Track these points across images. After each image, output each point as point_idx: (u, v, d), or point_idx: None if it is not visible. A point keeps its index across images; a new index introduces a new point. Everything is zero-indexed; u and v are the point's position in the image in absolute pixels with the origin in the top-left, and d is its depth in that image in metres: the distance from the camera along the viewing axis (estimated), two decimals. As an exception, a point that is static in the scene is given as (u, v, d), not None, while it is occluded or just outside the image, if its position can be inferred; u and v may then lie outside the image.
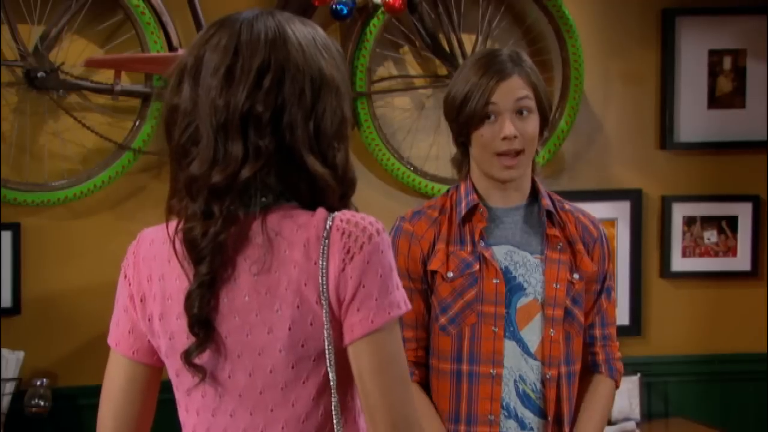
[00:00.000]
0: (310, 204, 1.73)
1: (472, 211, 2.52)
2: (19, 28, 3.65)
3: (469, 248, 2.50)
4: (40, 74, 3.64)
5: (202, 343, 1.72)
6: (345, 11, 3.81)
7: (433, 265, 2.50)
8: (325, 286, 1.68)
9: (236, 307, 1.71)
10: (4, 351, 3.62)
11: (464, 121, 2.51)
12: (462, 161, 2.58)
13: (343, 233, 1.69)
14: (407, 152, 4.10)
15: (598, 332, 2.60)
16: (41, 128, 3.76)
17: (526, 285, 2.49)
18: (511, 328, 2.48)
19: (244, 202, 1.70)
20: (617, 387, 2.63)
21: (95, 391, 3.93)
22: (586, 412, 2.54)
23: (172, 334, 1.77)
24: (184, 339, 1.75)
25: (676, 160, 4.31)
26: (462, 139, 2.55)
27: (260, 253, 1.70)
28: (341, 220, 1.70)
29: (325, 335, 1.69)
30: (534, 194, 2.56)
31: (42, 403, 3.61)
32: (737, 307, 4.36)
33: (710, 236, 4.32)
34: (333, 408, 1.71)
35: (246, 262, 1.71)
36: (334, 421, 1.71)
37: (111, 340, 1.88)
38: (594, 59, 4.21)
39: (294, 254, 1.69)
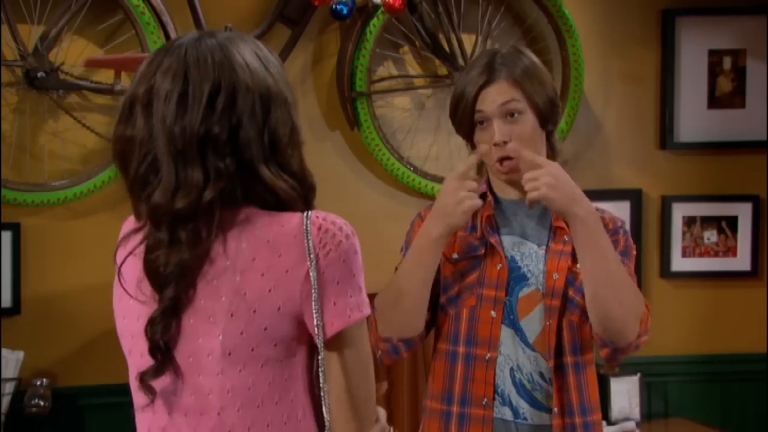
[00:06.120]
0: (275, 208, 1.77)
1: (481, 199, 2.54)
2: (19, 28, 3.65)
3: (477, 234, 2.53)
4: (40, 74, 3.64)
5: (160, 367, 1.76)
6: (345, 11, 3.81)
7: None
8: (315, 280, 1.72)
9: (188, 303, 1.75)
10: (4, 351, 3.62)
11: (458, 125, 2.53)
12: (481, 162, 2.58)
13: (320, 228, 1.74)
14: (407, 152, 4.10)
15: None
16: (41, 128, 3.76)
17: (529, 275, 2.51)
18: (511, 317, 2.49)
19: (208, 222, 1.73)
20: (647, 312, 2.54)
21: (95, 391, 3.93)
22: None
23: (129, 351, 1.83)
24: (138, 358, 1.80)
25: (676, 160, 4.31)
26: (467, 140, 2.57)
27: (214, 247, 1.74)
28: (317, 217, 1.75)
29: (315, 323, 1.74)
30: None
31: (42, 403, 3.61)
32: (737, 307, 4.36)
33: (710, 236, 4.32)
34: (323, 395, 1.76)
35: (206, 277, 1.74)
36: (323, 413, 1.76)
37: None
38: (594, 59, 4.21)
39: (251, 249, 1.73)
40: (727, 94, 4.31)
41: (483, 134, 2.49)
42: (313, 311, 1.73)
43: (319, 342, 1.74)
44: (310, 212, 1.75)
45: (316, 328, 1.73)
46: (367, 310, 1.77)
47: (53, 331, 3.78)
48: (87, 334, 3.76)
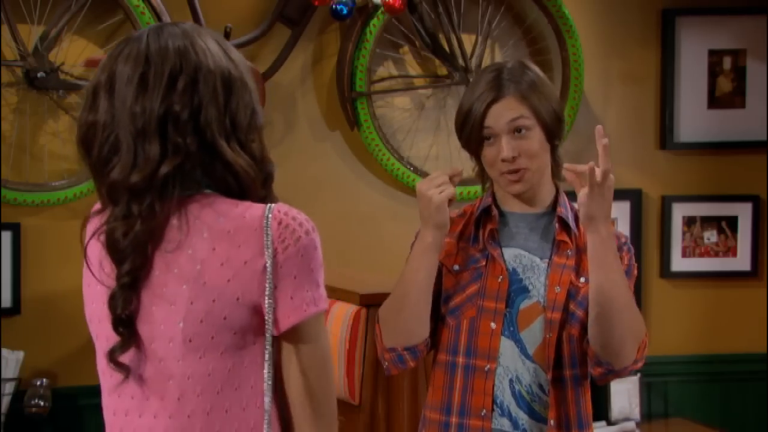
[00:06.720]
0: (237, 195, 1.80)
1: (486, 212, 2.55)
2: (19, 28, 3.66)
3: (479, 246, 2.54)
4: (40, 74, 3.64)
5: (126, 342, 1.79)
6: (345, 11, 3.81)
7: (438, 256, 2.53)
8: (271, 274, 1.75)
9: (150, 290, 1.78)
10: (4, 351, 3.63)
11: (465, 142, 2.54)
12: (483, 173, 2.59)
13: (280, 223, 1.76)
14: (407, 152, 4.10)
15: None
16: (41, 128, 3.77)
17: (530, 288, 2.51)
18: (511, 328, 2.50)
19: (164, 197, 1.76)
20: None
21: (95, 391, 3.92)
22: None
23: (96, 336, 1.88)
24: (104, 342, 1.85)
25: (676, 160, 4.31)
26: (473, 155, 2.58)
27: (175, 235, 1.76)
28: (279, 211, 1.77)
29: (267, 319, 1.76)
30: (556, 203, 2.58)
31: (42, 403, 3.61)
32: (737, 307, 4.36)
33: (710, 236, 4.32)
34: (265, 387, 1.78)
35: (161, 250, 1.77)
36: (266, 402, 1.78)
37: None
38: (594, 59, 4.21)
39: (212, 238, 1.75)
40: (727, 94, 4.31)
41: (490, 149, 2.51)
42: (266, 305, 1.75)
43: (268, 336, 1.76)
44: (272, 205, 1.77)
45: (268, 322, 1.76)
46: (324, 306, 1.79)
47: (53, 331, 3.78)
48: (87, 334, 3.68)
